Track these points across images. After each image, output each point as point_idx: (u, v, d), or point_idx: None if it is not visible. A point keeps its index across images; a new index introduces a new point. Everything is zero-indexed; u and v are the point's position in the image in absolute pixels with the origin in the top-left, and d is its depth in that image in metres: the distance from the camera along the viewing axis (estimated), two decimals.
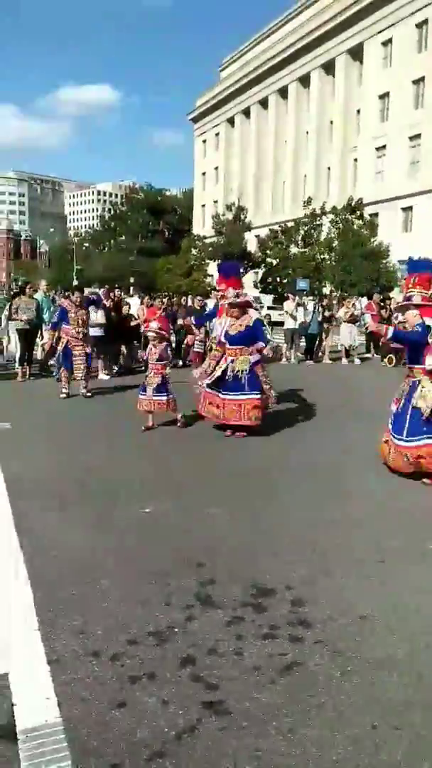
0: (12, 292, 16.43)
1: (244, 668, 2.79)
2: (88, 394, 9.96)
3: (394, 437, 5.83)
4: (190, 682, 2.68)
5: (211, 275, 49.63)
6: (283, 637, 3.04)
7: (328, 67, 48.37)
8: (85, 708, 2.50)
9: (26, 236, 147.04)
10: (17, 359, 12.19)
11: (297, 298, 16.94)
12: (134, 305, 14.96)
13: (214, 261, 46.24)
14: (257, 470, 6.10)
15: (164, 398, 7.54)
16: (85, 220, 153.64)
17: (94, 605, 3.32)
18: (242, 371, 7.35)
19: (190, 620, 3.18)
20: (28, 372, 11.83)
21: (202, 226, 61.48)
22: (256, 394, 7.33)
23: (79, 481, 5.60)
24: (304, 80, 51.19)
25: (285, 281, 38.89)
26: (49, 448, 6.80)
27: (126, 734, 2.36)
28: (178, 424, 7.73)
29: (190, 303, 16.25)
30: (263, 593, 3.47)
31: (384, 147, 42.47)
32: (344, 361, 16.32)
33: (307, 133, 51.00)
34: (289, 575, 3.69)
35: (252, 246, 45.31)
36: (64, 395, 9.79)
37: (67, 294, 12.00)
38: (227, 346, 7.56)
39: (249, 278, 46.61)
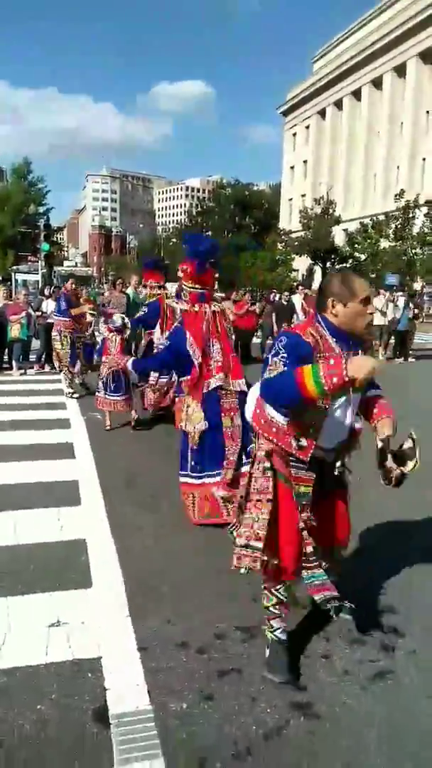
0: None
1: (333, 671, 2.74)
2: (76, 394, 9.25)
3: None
4: (278, 681, 2.65)
5: (296, 270, 49.22)
6: (373, 645, 2.95)
7: (426, 56, 46.59)
8: (173, 698, 2.53)
9: (117, 232, 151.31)
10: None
11: (387, 294, 16.43)
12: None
13: (300, 256, 45.79)
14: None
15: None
16: (174, 215, 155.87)
17: (182, 597, 3.36)
18: None
19: None
20: None
21: (289, 221, 60.92)
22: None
23: (168, 477, 5.67)
24: (400, 70, 49.54)
25: (373, 276, 37.87)
26: (138, 442, 6.94)
27: (214, 729, 2.36)
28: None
29: (277, 298, 16.12)
30: (353, 597, 3.38)
31: None
32: None
33: (402, 123, 49.39)
34: (382, 581, 3.58)
35: (339, 240, 44.41)
36: (71, 393, 9.27)
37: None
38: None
39: None
